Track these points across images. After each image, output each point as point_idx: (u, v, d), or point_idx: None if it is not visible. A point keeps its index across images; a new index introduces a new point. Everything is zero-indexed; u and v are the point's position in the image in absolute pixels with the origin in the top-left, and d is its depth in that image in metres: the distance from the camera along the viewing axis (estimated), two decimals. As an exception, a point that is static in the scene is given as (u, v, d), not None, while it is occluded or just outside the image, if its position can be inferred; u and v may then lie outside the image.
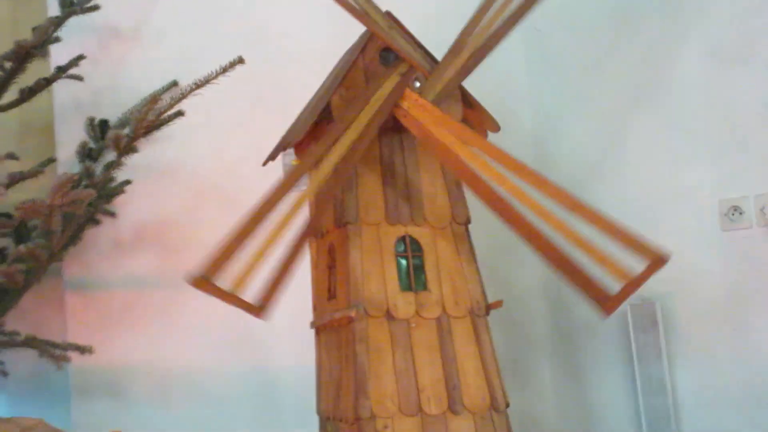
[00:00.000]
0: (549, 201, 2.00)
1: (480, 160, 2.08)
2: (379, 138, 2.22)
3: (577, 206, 2.01)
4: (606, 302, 1.98)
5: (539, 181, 2.02)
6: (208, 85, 2.70)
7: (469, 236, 2.24)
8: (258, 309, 2.03)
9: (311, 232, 2.29)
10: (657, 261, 1.92)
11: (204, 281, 2.00)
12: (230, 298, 2.01)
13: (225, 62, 2.65)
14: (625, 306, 2.61)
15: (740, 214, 2.63)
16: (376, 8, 2.23)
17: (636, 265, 1.89)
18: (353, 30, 2.29)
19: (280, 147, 2.39)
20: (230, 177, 3.03)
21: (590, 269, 1.97)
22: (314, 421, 2.35)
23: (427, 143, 2.20)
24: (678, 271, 2.39)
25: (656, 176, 2.76)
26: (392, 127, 2.20)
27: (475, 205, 2.20)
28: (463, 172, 2.13)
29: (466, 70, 2.27)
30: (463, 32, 2.26)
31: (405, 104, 2.20)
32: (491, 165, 2.08)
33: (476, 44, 2.27)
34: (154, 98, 2.76)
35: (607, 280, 1.95)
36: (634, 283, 1.93)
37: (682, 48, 2.86)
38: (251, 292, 2.00)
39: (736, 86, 2.64)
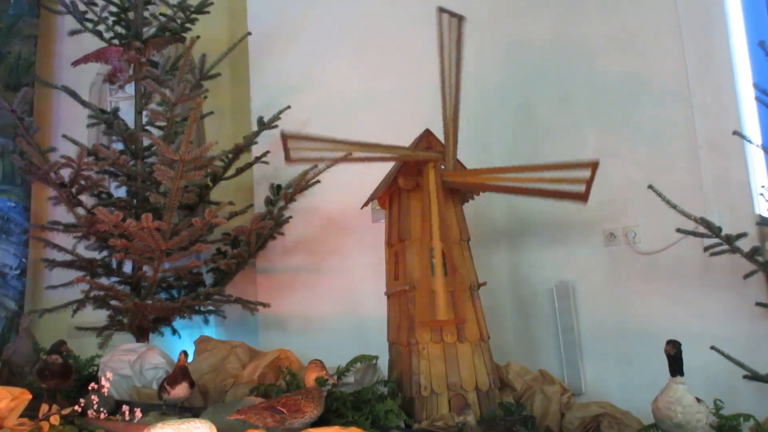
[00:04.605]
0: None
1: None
2: (423, 195, 2.65)
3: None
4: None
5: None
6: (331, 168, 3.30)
7: (469, 246, 2.75)
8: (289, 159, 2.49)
9: (385, 241, 2.82)
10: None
11: (286, 137, 2.49)
12: (287, 153, 2.47)
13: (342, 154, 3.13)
14: (552, 284, 3.24)
15: (614, 237, 3.19)
16: (403, 147, 2.68)
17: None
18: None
19: (370, 199, 2.99)
20: (344, 213, 3.56)
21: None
22: (385, 345, 2.84)
23: (467, 186, 2.72)
24: (582, 266, 3.22)
25: (572, 215, 3.22)
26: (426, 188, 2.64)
27: (474, 230, 2.77)
28: (486, 187, 2.68)
29: (455, 142, 2.67)
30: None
31: (446, 177, 2.64)
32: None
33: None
34: (304, 174, 3.42)
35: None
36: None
37: (584, 150, 3.26)
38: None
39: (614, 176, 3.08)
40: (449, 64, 2.65)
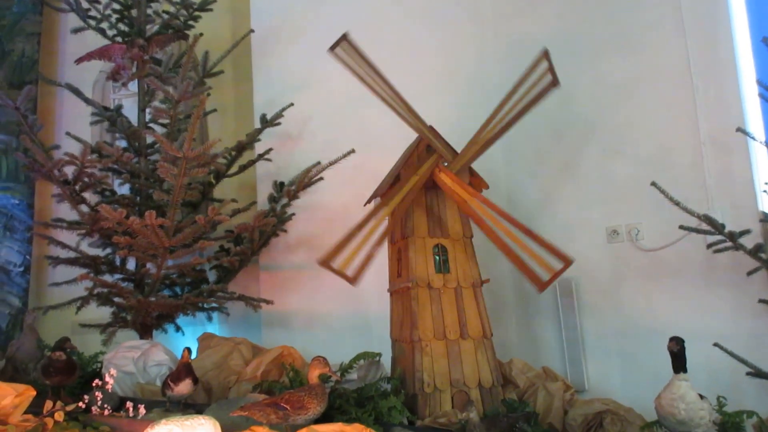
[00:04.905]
0: (509, 225, 2.50)
1: (476, 203, 2.57)
2: (425, 191, 2.72)
3: (524, 229, 2.49)
4: (540, 285, 2.46)
5: (504, 214, 2.54)
6: (334, 165, 3.38)
7: (471, 244, 2.76)
8: (352, 279, 2.44)
9: (388, 238, 2.74)
10: (568, 262, 2.40)
11: (325, 262, 2.44)
12: (338, 272, 2.42)
13: (345, 151, 3.36)
14: (555, 282, 2.94)
15: (617, 234, 3.17)
16: (425, 124, 2.69)
17: (555, 263, 2.41)
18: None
19: (373, 196, 2.93)
20: (347, 210, 3.26)
21: (531, 265, 2.44)
22: (388, 342, 2.81)
23: (451, 195, 2.66)
24: (585, 263, 3.10)
25: (575, 212, 3.28)
26: (432, 186, 2.70)
27: (477, 228, 2.69)
28: (467, 209, 2.62)
29: (475, 156, 2.71)
30: (477, 133, 2.66)
31: (438, 172, 2.64)
32: (481, 205, 2.55)
33: (485, 139, 2.65)
34: (307, 171, 3.45)
35: (540, 271, 2.45)
36: (554, 276, 2.40)
37: (588, 147, 3.29)
38: (350, 270, 2.43)
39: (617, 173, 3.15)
40: (518, 97, 2.65)
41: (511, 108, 2.62)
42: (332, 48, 2.56)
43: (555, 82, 2.61)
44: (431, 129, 2.76)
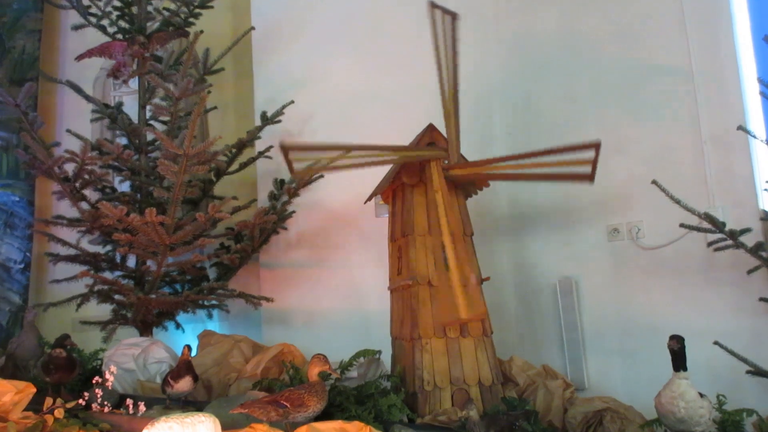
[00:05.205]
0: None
1: (442, 215, 2.48)
2: (426, 190, 2.65)
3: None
4: (589, 177, 2.45)
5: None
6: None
7: (472, 242, 2.75)
8: (294, 172, 2.41)
9: (388, 236, 2.80)
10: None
11: (287, 147, 2.35)
12: (289, 160, 2.36)
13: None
14: (555, 280, 3.23)
15: (618, 232, 3.17)
16: (407, 147, 2.68)
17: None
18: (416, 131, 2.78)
19: (373, 194, 2.98)
20: (347, 208, 3.55)
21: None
22: (388, 340, 2.82)
23: (470, 178, 2.68)
24: (586, 261, 3.18)
25: (575, 211, 3.24)
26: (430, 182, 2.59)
27: (477, 225, 2.77)
28: (489, 176, 2.67)
29: (472, 178, 2.71)
30: (490, 160, 2.64)
31: (432, 164, 2.58)
32: (445, 221, 2.46)
33: (490, 169, 2.63)
34: (308, 168, 2.98)
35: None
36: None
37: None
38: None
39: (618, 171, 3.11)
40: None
41: (533, 164, 2.55)
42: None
43: (591, 178, 2.52)
44: (431, 127, 2.74)
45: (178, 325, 3.64)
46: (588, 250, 3.19)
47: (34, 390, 2.10)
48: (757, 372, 2.56)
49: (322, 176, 3.49)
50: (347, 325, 3.52)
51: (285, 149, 2.39)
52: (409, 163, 2.69)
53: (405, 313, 2.65)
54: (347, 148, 2.45)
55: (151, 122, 3.72)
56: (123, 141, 3.66)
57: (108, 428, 2.15)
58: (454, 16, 2.60)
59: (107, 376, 2.30)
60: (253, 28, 3.96)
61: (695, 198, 2.72)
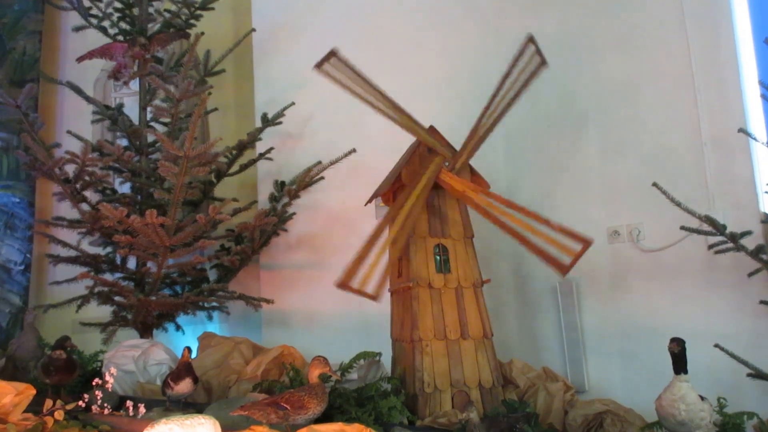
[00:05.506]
0: (521, 215, 2.49)
1: (482, 199, 2.56)
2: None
3: (536, 216, 2.47)
4: (563, 269, 2.44)
5: (513, 205, 2.53)
6: (335, 165, 3.39)
7: (473, 244, 2.75)
8: (375, 297, 2.42)
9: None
10: (587, 242, 2.42)
11: (344, 284, 2.40)
12: (360, 292, 2.40)
13: (346, 150, 3.37)
14: (555, 282, 3.21)
15: (618, 234, 3.17)
16: (422, 127, 2.70)
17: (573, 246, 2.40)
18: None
19: (374, 195, 2.95)
20: (347, 210, 3.56)
21: (550, 251, 2.42)
22: (388, 342, 2.81)
23: (454, 193, 2.66)
24: (586, 264, 2.97)
25: (576, 213, 3.18)
26: (434, 185, 2.66)
27: (478, 227, 2.74)
28: (473, 204, 2.60)
29: (475, 149, 2.70)
30: (474, 126, 2.66)
31: (442, 175, 2.66)
32: (489, 200, 2.54)
33: (482, 129, 2.65)
34: (308, 170, 3.45)
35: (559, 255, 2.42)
36: (576, 258, 2.40)
37: (589, 147, 3.28)
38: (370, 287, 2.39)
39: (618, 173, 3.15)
40: (506, 90, 2.66)
41: (504, 94, 2.64)
42: (319, 65, 2.56)
43: (543, 62, 2.66)
44: (431, 129, 2.75)
45: (178, 327, 3.63)
46: (588, 252, 3.08)
47: (34, 391, 2.10)
48: (757, 375, 2.56)
49: (322, 178, 3.49)
50: (347, 327, 3.50)
51: (333, 53, 2.50)
52: (410, 164, 2.68)
53: (405, 315, 2.65)
54: (379, 95, 2.54)
55: (152, 124, 3.72)
56: (123, 142, 3.66)
57: (108, 430, 2.14)
58: (542, 62, 2.71)
59: (107, 377, 2.30)
60: (253, 29, 3.96)
61: (696, 200, 2.73)
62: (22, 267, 4.07)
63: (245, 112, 4.09)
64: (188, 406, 2.50)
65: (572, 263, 2.43)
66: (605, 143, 3.14)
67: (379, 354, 2.71)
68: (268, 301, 3.50)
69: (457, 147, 2.75)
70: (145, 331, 3.42)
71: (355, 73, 2.58)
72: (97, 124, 3.97)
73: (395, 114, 2.63)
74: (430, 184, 2.62)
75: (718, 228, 2.58)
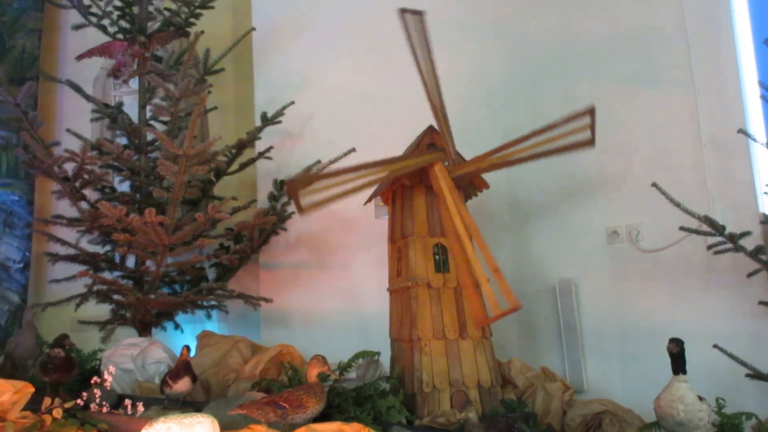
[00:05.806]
0: (479, 252, 2.39)
1: (455, 214, 2.44)
2: (426, 191, 2.69)
3: (491, 263, 2.35)
4: (480, 320, 2.34)
5: (480, 241, 2.41)
6: (336, 163, 3.34)
7: (472, 243, 2.47)
8: (303, 210, 2.36)
9: (388, 238, 2.82)
10: (515, 306, 2.22)
11: (293, 183, 2.36)
12: (296, 197, 2.34)
13: (345, 149, 3.34)
14: (554, 282, 3.22)
15: (617, 234, 3.17)
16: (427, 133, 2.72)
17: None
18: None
19: (373, 195, 2.97)
20: (347, 209, 3.19)
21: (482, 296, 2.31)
22: (387, 341, 2.80)
23: (435, 187, 2.58)
24: (585, 264, 3.18)
25: (575, 213, 3.25)
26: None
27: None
28: (443, 209, 2.51)
29: (477, 173, 2.67)
30: (488, 153, 2.60)
31: (436, 166, 2.57)
32: (460, 219, 2.44)
33: (494, 161, 2.59)
34: (307, 169, 3.45)
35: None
36: (498, 316, 2.23)
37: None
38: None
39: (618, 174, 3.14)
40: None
41: (534, 145, 2.52)
42: (404, 10, 2.50)
43: (591, 142, 2.50)
44: (431, 129, 2.73)
45: (176, 326, 3.63)
46: (587, 253, 3.19)
47: (33, 390, 2.10)
48: (756, 375, 2.56)
49: (323, 177, 3.49)
50: (346, 327, 3.51)
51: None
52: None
53: (404, 314, 2.65)
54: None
55: (151, 122, 3.72)
56: (123, 141, 3.66)
57: (106, 428, 2.14)
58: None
59: (106, 376, 2.29)
60: (253, 28, 3.96)
61: (695, 201, 2.72)
62: (21, 265, 4.07)
63: (245, 111, 4.09)
64: (187, 404, 2.49)
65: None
66: (605, 144, 3.02)
67: (378, 353, 2.71)
68: (267, 300, 3.49)
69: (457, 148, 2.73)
70: (144, 330, 3.42)
71: (426, 43, 2.54)
72: (96, 123, 3.97)
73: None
74: (453, 186, 2.56)
75: (718, 228, 2.57)
